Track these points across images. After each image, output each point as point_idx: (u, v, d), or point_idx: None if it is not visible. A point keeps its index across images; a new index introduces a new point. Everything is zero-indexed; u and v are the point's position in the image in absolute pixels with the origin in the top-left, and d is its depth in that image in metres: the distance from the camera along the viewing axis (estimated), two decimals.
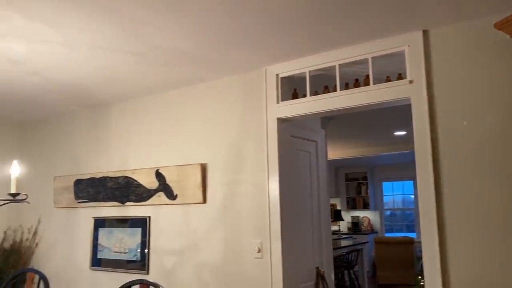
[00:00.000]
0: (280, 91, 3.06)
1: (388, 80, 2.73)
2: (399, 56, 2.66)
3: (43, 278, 3.04)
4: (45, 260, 4.37)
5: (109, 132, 4.07)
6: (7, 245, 4.48)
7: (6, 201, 2.32)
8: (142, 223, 3.68)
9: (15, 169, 2.40)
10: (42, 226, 4.45)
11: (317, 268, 3.68)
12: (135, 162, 3.81)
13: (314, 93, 2.97)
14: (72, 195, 4.16)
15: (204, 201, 3.33)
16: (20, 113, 4.39)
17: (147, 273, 3.56)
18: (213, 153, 3.35)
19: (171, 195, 3.50)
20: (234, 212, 3.18)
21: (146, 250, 3.61)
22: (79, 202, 4.11)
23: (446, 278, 2.39)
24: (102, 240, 3.93)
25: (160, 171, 3.57)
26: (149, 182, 3.63)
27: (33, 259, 4.46)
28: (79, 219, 4.14)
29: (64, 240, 4.24)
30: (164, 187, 3.54)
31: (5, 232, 4.56)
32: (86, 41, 2.59)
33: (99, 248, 3.93)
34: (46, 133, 4.64)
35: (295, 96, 3.09)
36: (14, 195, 2.34)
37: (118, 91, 3.67)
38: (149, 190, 3.62)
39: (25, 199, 2.36)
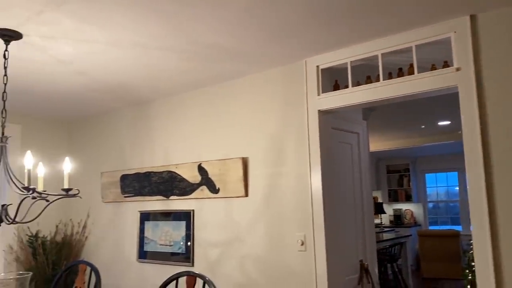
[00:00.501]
0: (321, 82, 3.03)
1: (433, 68, 2.65)
2: (445, 43, 2.57)
3: (94, 269, 3.17)
4: (95, 252, 4.56)
5: (152, 128, 4.17)
6: (59, 238, 4.70)
7: (60, 196, 2.43)
8: (186, 216, 3.77)
9: (67, 166, 2.51)
10: (91, 219, 4.64)
11: (361, 261, 3.64)
12: (178, 157, 3.90)
13: (356, 83, 2.92)
14: (119, 190, 4.30)
15: (246, 194, 3.36)
16: (68, 111, 4.58)
17: (192, 265, 3.64)
18: (254, 147, 3.37)
19: (213, 189, 3.55)
20: (276, 205, 3.19)
21: (190, 243, 3.69)
22: (125, 197, 4.25)
23: (498, 271, 2.30)
24: (148, 233, 4.05)
25: (202, 165, 3.63)
26: (192, 176, 3.70)
27: (83, 252, 4.65)
28: (126, 213, 4.28)
29: (112, 233, 4.40)
30: (207, 181, 3.60)
31: (56, 226, 4.78)
32: (130, 40, 2.67)
33: (146, 241, 4.05)
34: (93, 131, 4.81)
35: (336, 87, 3.05)
36: (67, 190, 2.45)
37: (160, 88, 3.76)
38: (192, 184, 3.69)
39: (77, 193, 2.46)
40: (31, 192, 2.10)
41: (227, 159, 3.46)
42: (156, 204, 4.02)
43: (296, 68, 3.16)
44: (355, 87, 2.86)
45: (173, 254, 3.82)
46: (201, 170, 3.64)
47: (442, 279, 8.00)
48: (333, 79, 3.10)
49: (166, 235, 3.90)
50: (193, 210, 3.72)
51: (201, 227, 3.67)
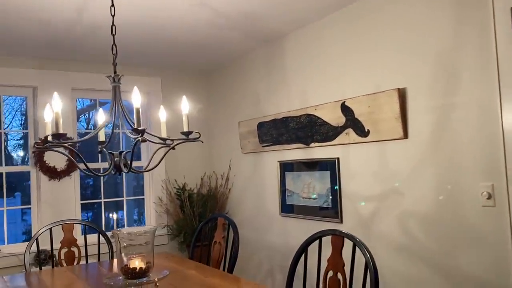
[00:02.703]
0: None
1: None
2: None
3: (231, 223, 2.90)
4: (238, 205, 4.37)
5: (286, 68, 3.65)
6: (204, 191, 4.64)
7: (180, 140, 2.10)
8: (330, 166, 3.21)
9: (185, 106, 2.15)
10: (233, 171, 4.44)
11: None
12: (316, 97, 3.32)
13: None
14: (257, 139, 3.95)
15: (405, 135, 2.64)
16: (201, 59, 4.34)
17: (341, 222, 3.10)
18: (414, 73, 2.59)
19: (361, 132, 2.91)
20: (448, 147, 2.41)
21: (337, 196, 3.15)
22: (263, 146, 3.88)
23: None
24: (289, 185, 3.63)
25: (346, 104, 3.00)
26: (335, 118, 3.10)
27: (228, 204, 4.51)
28: (266, 163, 3.93)
29: (254, 185, 4.12)
30: (353, 123, 2.97)
31: (201, 179, 4.73)
32: None
33: (287, 193, 3.64)
34: (227, 79, 4.53)
35: None
36: (187, 133, 2.11)
37: (292, 16, 3.18)
38: (335, 128, 3.10)
39: (198, 137, 2.10)
40: (140, 134, 1.78)
41: (378, 93, 2.76)
42: (295, 152, 3.55)
43: None
44: None
45: (319, 208, 3.33)
46: (345, 109, 3.01)
47: None
48: None
49: (309, 187, 3.43)
50: (338, 158, 3.15)
51: (348, 177, 3.08)
